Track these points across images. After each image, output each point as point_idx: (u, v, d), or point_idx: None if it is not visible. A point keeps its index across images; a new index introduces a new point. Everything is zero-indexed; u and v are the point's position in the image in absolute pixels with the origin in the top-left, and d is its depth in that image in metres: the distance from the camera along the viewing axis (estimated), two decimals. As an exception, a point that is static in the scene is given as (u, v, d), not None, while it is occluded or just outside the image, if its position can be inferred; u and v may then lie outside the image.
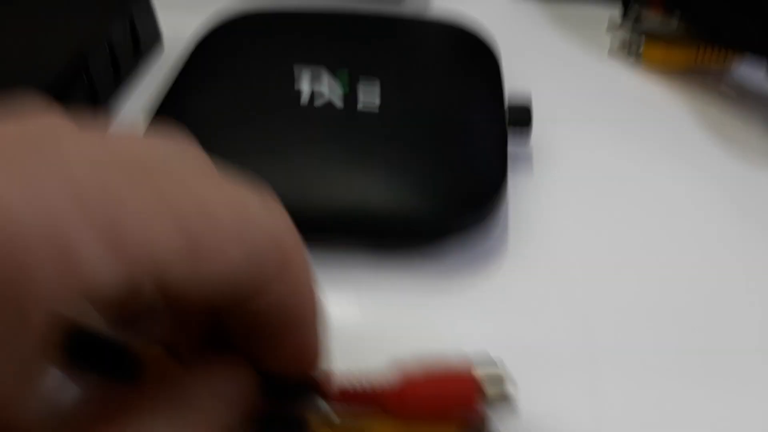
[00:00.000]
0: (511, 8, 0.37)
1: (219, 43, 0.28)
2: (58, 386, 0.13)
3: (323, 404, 0.18)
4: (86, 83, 0.27)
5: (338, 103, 0.25)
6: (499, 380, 0.17)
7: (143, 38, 0.31)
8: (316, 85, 0.25)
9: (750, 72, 0.32)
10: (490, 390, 0.17)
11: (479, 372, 0.17)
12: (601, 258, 0.24)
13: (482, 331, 0.22)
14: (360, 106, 0.25)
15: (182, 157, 0.13)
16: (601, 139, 0.29)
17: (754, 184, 0.27)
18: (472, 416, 0.17)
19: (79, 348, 0.13)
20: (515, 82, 0.29)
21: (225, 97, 0.25)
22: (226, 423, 0.14)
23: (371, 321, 0.22)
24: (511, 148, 0.26)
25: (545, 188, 0.27)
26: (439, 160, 0.24)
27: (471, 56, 0.29)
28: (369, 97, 0.25)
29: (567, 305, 0.23)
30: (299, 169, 0.23)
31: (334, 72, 0.26)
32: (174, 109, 0.25)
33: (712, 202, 0.27)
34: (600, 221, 0.26)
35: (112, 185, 0.11)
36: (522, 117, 0.26)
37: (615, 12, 0.34)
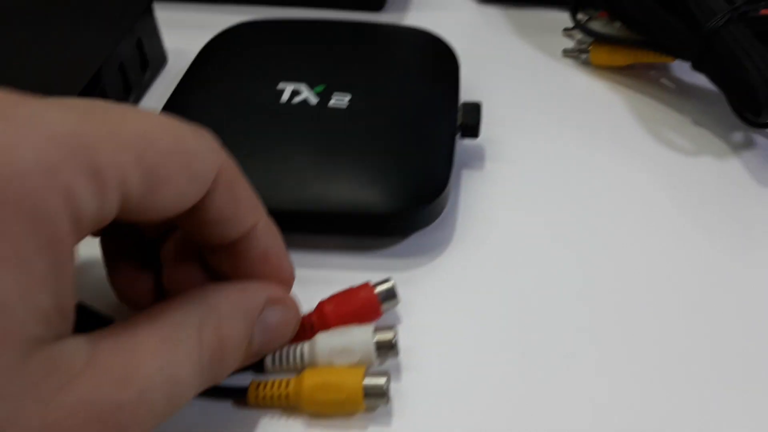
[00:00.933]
0: (479, 14, 0.41)
1: (212, 58, 0.33)
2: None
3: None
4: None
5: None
6: (391, 292, 0.24)
7: (150, 56, 0.35)
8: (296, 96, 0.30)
9: (685, 68, 0.36)
10: (382, 295, 0.23)
11: (376, 287, 0.24)
12: (544, 242, 0.28)
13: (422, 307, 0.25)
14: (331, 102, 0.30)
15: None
16: (549, 133, 0.33)
17: (685, 168, 0.31)
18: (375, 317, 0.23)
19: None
20: (474, 82, 0.34)
21: (215, 102, 0.30)
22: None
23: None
24: (464, 143, 0.29)
25: (494, 179, 0.30)
26: (393, 160, 0.27)
27: (432, 60, 0.33)
28: (340, 103, 0.30)
29: (508, 290, 0.26)
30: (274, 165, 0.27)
31: (312, 87, 0.30)
32: (174, 113, 0.29)
33: (648, 186, 0.30)
34: (543, 208, 0.29)
35: (86, 134, 0.14)
36: (472, 114, 0.30)
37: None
